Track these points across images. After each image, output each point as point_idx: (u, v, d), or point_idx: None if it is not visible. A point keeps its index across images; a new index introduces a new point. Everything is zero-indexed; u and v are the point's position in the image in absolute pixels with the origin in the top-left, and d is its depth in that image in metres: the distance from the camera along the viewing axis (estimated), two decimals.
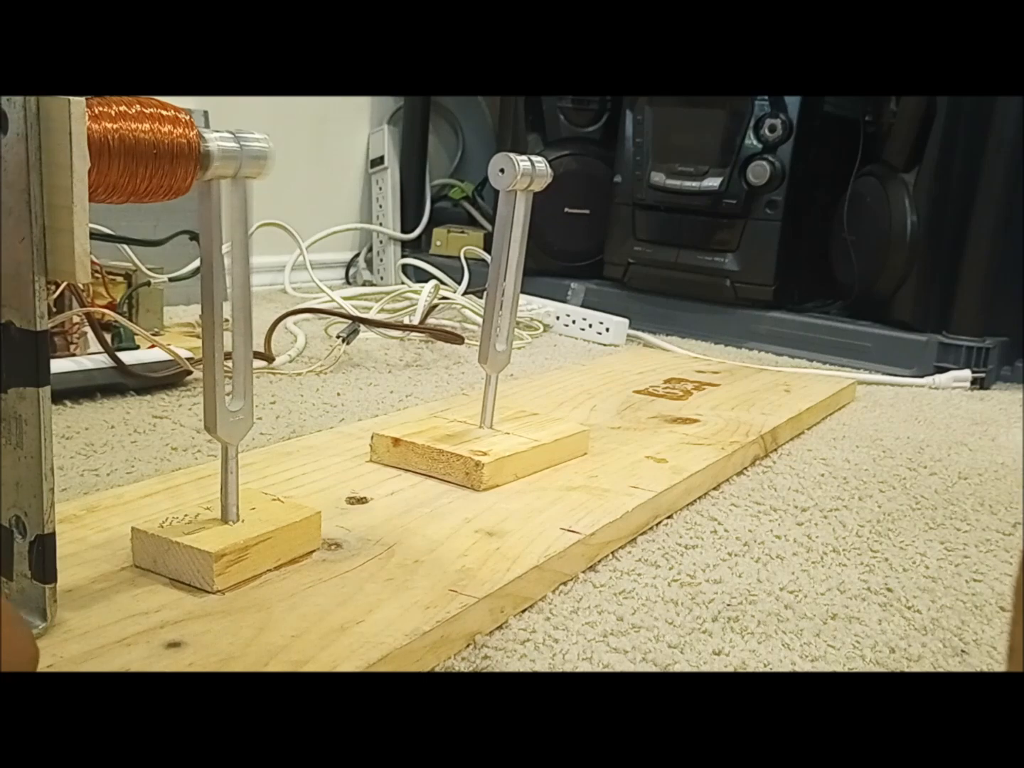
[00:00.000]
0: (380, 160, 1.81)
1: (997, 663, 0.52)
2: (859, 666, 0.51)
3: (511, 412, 0.76)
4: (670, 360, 1.22)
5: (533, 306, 1.45)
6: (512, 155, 0.66)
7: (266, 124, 1.58)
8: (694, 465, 0.74)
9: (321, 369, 1.08)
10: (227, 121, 0.57)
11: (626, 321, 1.42)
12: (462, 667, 0.47)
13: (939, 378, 1.27)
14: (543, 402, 0.91)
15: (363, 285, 1.75)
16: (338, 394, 0.98)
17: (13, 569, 0.42)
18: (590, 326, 1.42)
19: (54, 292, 0.86)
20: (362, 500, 0.62)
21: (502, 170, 0.66)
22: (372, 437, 0.69)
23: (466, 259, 1.57)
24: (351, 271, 1.82)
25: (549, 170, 0.68)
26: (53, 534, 0.41)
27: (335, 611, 0.47)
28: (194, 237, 1.22)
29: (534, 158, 0.67)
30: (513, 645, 0.49)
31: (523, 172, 0.66)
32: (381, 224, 1.80)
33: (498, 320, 0.70)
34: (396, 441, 0.67)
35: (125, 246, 1.10)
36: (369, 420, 0.84)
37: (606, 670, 0.48)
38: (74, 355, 0.89)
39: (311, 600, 0.48)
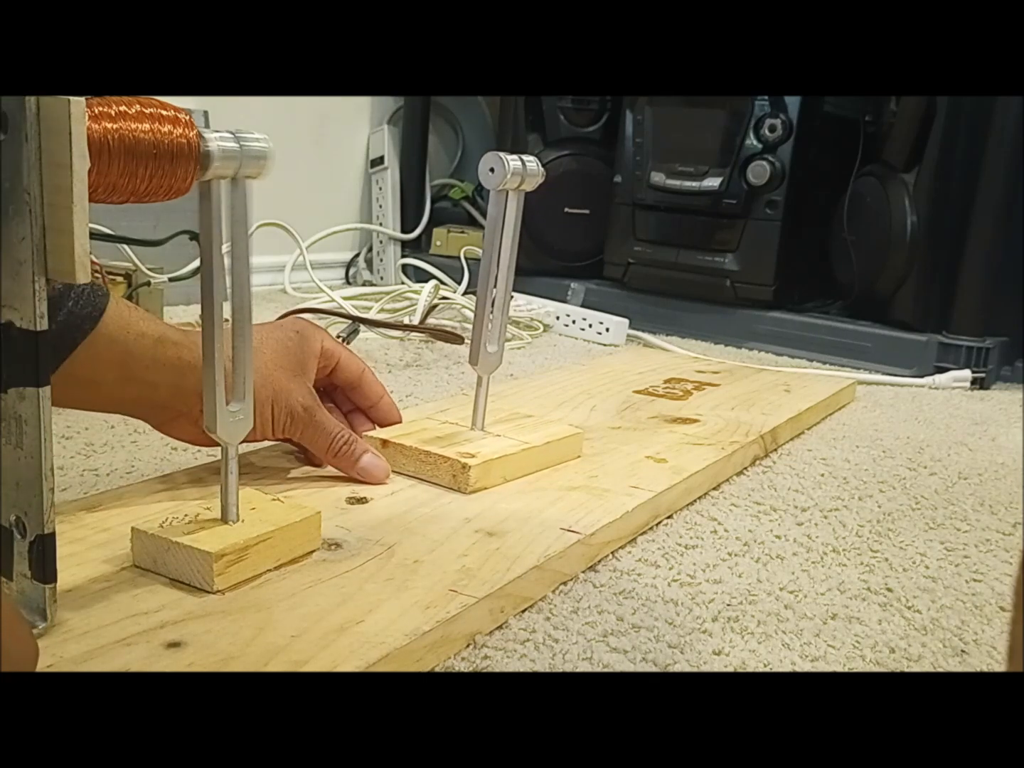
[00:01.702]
0: (380, 160, 1.81)
1: (997, 663, 0.52)
2: (859, 666, 0.51)
3: (505, 414, 0.76)
4: (670, 360, 1.22)
5: (533, 306, 1.45)
6: (502, 154, 0.65)
7: (266, 124, 1.57)
8: (694, 465, 0.74)
9: None
10: (227, 121, 0.57)
11: (626, 321, 1.42)
12: (462, 667, 0.47)
13: (939, 378, 1.27)
14: (543, 402, 0.91)
15: (363, 285, 1.75)
16: None
17: (13, 569, 0.42)
18: (590, 326, 1.42)
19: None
20: (362, 500, 0.62)
21: (492, 169, 0.65)
22: (363, 439, 0.68)
23: (466, 259, 1.57)
24: (351, 271, 1.82)
25: (541, 169, 0.67)
26: (53, 534, 0.41)
27: (335, 611, 0.47)
28: (194, 237, 1.22)
29: (525, 157, 0.66)
30: (513, 645, 0.49)
31: (513, 171, 0.65)
32: (381, 224, 1.80)
33: (489, 321, 0.69)
34: (385, 443, 0.67)
35: (125, 246, 1.10)
36: None
37: (606, 670, 0.48)
38: None
39: (311, 600, 0.48)
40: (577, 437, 0.74)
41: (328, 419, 0.63)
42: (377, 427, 0.69)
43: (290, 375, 0.61)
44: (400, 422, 0.71)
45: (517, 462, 0.68)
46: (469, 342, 0.70)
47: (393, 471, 0.66)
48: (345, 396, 0.69)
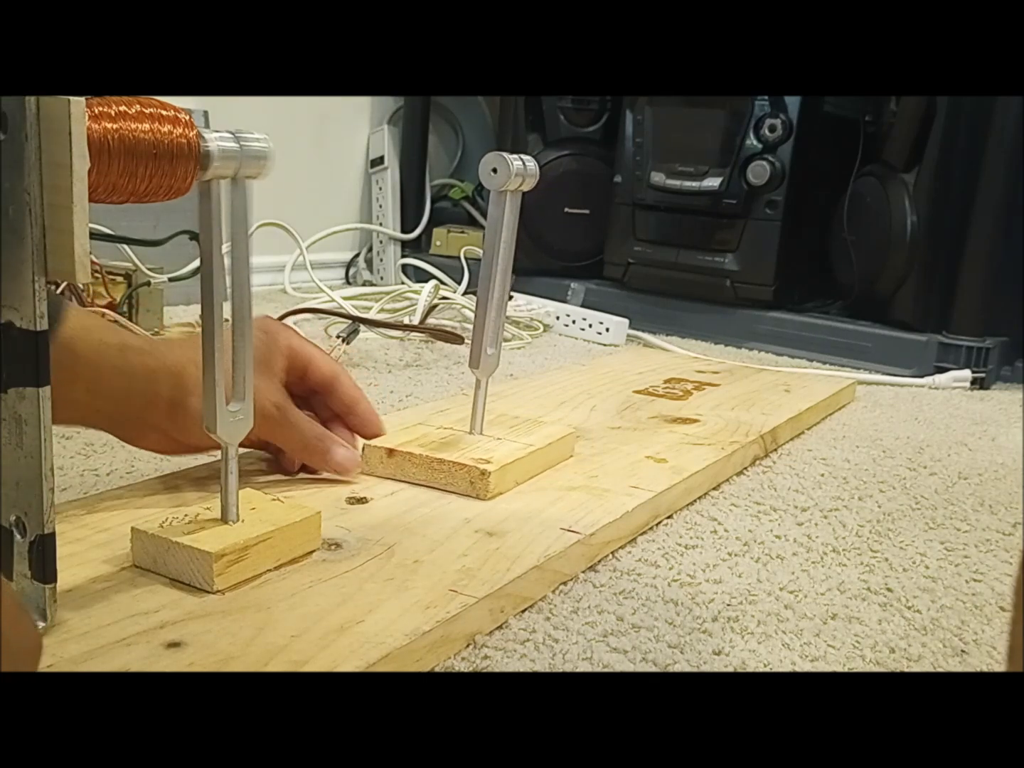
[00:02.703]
0: (380, 160, 1.81)
1: (997, 663, 0.52)
2: (859, 666, 0.51)
3: (494, 416, 0.74)
4: (670, 360, 1.22)
5: (533, 306, 1.45)
6: (504, 154, 0.64)
7: (266, 124, 1.57)
8: (694, 465, 0.74)
9: None
10: (227, 121, 0.57)
11: (626, 321, 1.42)
12: (462, 667, 0.47)
13: (939, 378, 1.27)
14: (543, 402, 0.91)
15: (363, 285, 1.75)
16: None
17: (13, 569, 0.42)
18: (590, 326, 1.42)
19: (54, 292, 0.86)
20: (362, 500, 0.62)
21: (494, 170, 0.64)
22: (364, 448, 0.66)
23: (466, 259, 1.57)
24: (351, 271, 1.82)
25: (538, 169, 0.67)
26: (53, 534, 0.41)
27: (335, 611, 0.47)
28: (194, 237, 1.22)
29: (524, 157, 0.66)
30: (513, 645, 0.49)
31: (516, 172, 0.65)
32: (381, 224, 1.80)
33: (488, 323, 0.68)
34: (391, 452, 0.65)
35: (125, 246, 1.10)
36: None
37: (606, 670, 0.48)
38: None
39: (311, 600, 0.48)
40: (571, 437, 0.74)
41: (300, 416, 0.62)
42: (356, 436, 0.67)
43: (257, 374, 0.60)
44: (381, 432, 0.68)
45: (527, 465, 0.68)
46: (469, 343, 0.70)
47: (400, 480, 0.65)
48: (323, 403, 0.67)
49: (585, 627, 0.52)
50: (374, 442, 0.66)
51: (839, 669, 0.50)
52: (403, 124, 1.83)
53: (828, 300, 1.51)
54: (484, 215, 1.87)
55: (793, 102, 1.39)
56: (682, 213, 1.48)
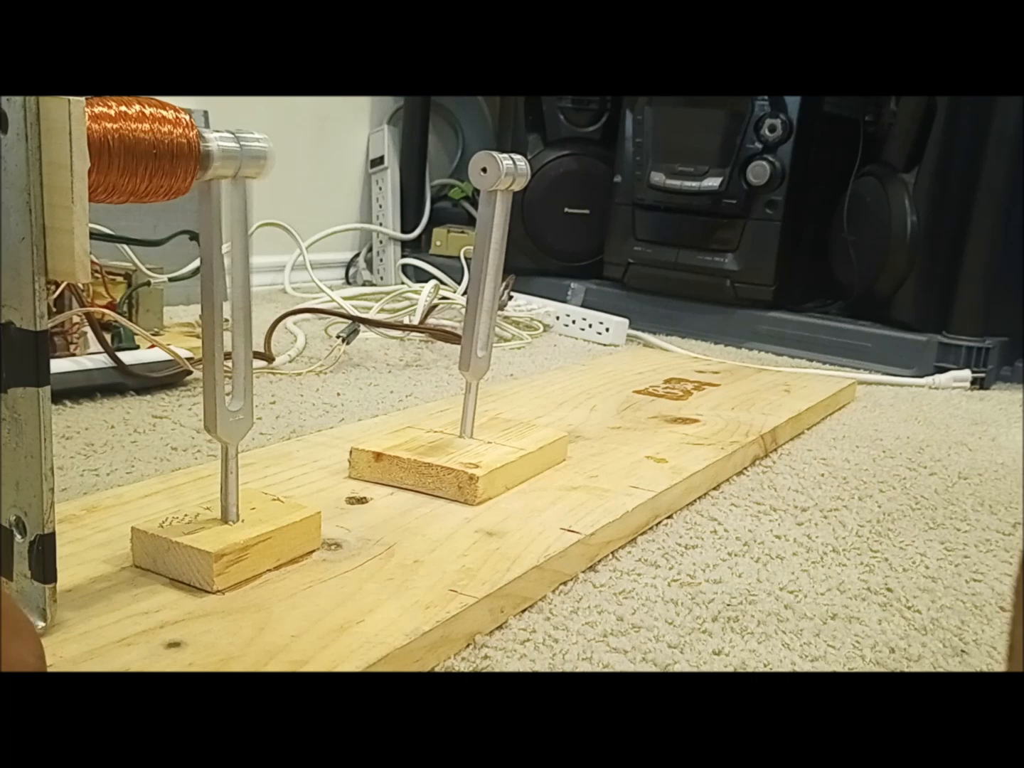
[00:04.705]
0: (380, 160, 1.81)
1: (997, 663, 0.52)
2: (859, 666, 0.51)
3: (485, 419, 0.74)
4: (670, 360, 1.22)
5: (533, 306, 1.45)
6: (494, 154, 0.64)
7: (266, 124, 1.58)
8: (694, 465, 0.74)
9: (321, 369, 1.08)
10: (227, 121, 0.58)
11: (626, 321, 1.42)
12: (462, 667, 0.47)
13: (939, 378, 1.27)
14: (543, 402, 0.91)
15: (363, 285, 1.75)
16: (338, 394, 0.98)
17: (13, 569, 0.42)
18: (590, 326, 1.42)
19: (54, 292, 0.86)
20: (362, 500, 0.62)
21: (484, 169, 0.64)
22: (351, 452, 0.66)
23: (466, 259, 1.57)
24: (351, 271, 1.82)
25: (529, 169, 0.66)
26: (53, 534, 0.41)
27: (335, 611, 0.47)
28: (194, 237, 1.22)
29: (515, 156, 0.65)
30: (513, 645, 0.49)
31: (506, 171, 0.64)
32: (381, 224, 1.80)
33: (479, 325, 0.68)
34: (378, 456, 0.65)
35: (125, 246, 1.10)
36: (369, 420, 0.84)
37: (606, 670, 0.48)
38: (74, 355, 0.89)
39: (311, 600, 0.48)
40: (563, 441, 0.73)
41: None
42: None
43: None
44: None
45: (517, 469, 0.67)
46: None
47: (389, 484, 0.65)
48: None
49: (585, 627, 0.52)
50: (362, 446, 0.66)
51: (839, 669, 0.50)
52: (403, 124, 1.83)
53: (828, 300, 1.51)
54: None
55: (793, 102, 1.39)
56: (682, 213, 1.48)
